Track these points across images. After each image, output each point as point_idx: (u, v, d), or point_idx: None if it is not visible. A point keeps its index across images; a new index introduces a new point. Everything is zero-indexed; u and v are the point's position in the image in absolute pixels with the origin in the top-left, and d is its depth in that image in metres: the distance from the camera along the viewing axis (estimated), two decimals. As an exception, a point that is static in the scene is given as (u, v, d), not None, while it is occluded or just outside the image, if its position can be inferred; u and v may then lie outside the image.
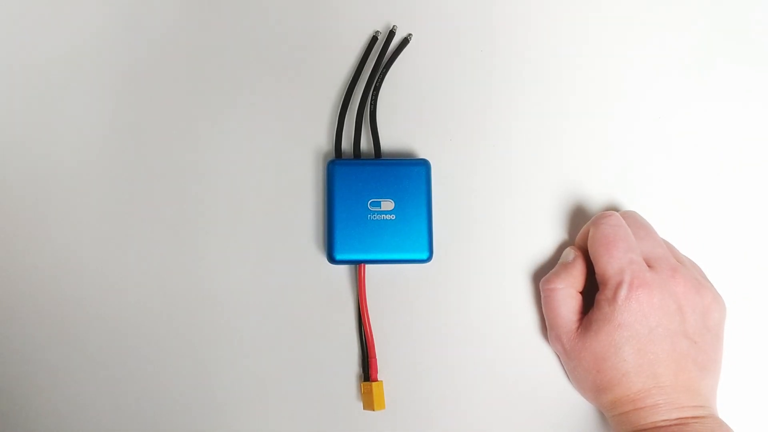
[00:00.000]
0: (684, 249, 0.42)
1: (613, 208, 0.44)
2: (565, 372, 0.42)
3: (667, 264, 0.39)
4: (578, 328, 0.39)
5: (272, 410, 0.42)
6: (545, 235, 0.43)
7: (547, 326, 0.41)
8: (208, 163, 0.43)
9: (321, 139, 0.44)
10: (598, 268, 0.39)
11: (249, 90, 0.44)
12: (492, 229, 0.43)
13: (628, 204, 0.44)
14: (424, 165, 0.42)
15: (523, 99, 0.45)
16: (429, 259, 0.41)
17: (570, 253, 0.41)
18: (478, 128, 0.44)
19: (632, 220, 0.41)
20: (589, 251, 0.40)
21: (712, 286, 0.40)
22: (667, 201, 0.44)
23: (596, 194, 0.44)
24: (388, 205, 0.41)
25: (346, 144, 0.44)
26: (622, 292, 0.37)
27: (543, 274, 0.42)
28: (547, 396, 0.42)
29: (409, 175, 0.41)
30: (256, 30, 0.45)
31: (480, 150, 0.44)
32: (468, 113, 0.44)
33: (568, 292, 0.40)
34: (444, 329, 0.42)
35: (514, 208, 0.43)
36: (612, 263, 0.38)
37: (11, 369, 0.42)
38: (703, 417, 0.36)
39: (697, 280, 0.39)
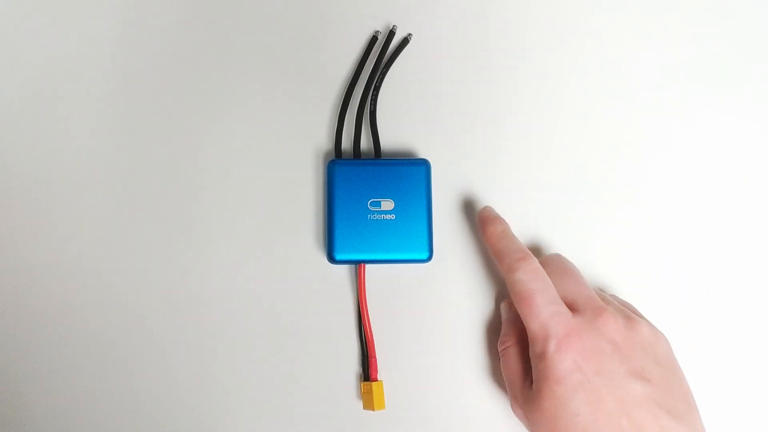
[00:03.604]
0: (685, 250, 0.42)
1: (614, 208, 0.44)
2: None
3: (591, 304, 0.37)
4: (528, 387, 0.37)
5: (272, 410, 0.42)
6: (545, 235, 0.43)
7: (508, 392, 0.39)
8: (208, 163, 0.44)
9: (321, 139, 0.44)
10: (524, 324, 0.37)
11: (249, 90, 0.44)
12: (492, 229, 0.43)
13: (629, 203, 0.44)
14: (424, 165, 0.42)
15: (523, 99, 0.45)
16: (429, 259, 0.41)
17: (506, 308, 0.40)
18: (478, 128, 0.44)
19: (554, 266, 0.39)
20: (513, 305, 0.38)
21: (647, 320, 0.38)
22: (667, 201, 0.44)
23: (596, 194, 0.44)
24: (388, 205, 0.41)
25: (346, 144, 0.44)
26: (551, 347, 0.35)
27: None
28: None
29: (409, 175, 0.41)
30: (256, 30, 0.45)
31: (480, 150, 0.44)
32: (468, 113, 0.44)
33: (517, 348, 0.38)
34: (444, 329, 0.42)
35: (514, 208, 0.43)
36: (533, 319, 0.36)
37: (11, 369, 0.42)
38: None
39: (627, 316, 0.37)
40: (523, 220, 0.43)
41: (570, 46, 0.45)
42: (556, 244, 0.43)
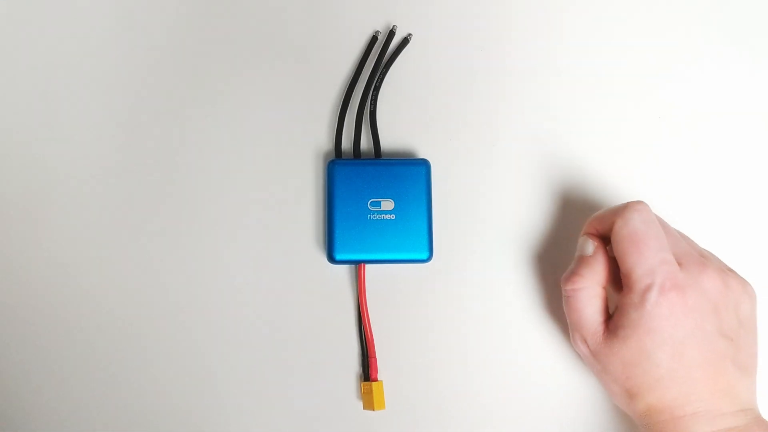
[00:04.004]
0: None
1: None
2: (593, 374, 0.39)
3: (694, 259, 0.36)
4: (604, 330, 0.36)
5: (272, 410, 0.42)
6: (546, 235, 0.43)
7: (569, 327, 0.38)
8: (208, 164, 0.44)
9: (321, 139, 0.44)
10: (624, 267, 0.36)
11: (249, 90, 0.44)
12: (492, 229, 0.43)
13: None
14: (424, 165, 0.42)
15: (523, 99, 0.45)
16: (429, 259, 0.41)
17: (588, 245, 0.38)
18: (478, 128, 0.44)
19: None
20: (614, 246, 0.36)
21: (736, 273, 0.38)
22: (668, 202, 0.44)
23: (597, 194, 0.44)
24: (388, 205, 0.41)
25: (346, 144, 0.44)
26: (652, 297, 0.34)
27: (544, 274, 0.42)
28: (548, 395, 0.42)
29: (409, 175, 0.41)
30: (256, 30, 0.45)
31: (480, 150, 0.44)
32: (468, 113, 0.44)
33: (593, 291, 0.37)
34: (444, 329, 0.42)
35: (514, 208, 0.43)
36: (641, 263, 0.35)
37: (11, 370, 0.42)
38: (745, 425, 0.34)
39: (723, 271, 0.37)
40: (523, 221, 0.43)
41: (570, 46, 0.45)
42: (557, 243, 0.43)
